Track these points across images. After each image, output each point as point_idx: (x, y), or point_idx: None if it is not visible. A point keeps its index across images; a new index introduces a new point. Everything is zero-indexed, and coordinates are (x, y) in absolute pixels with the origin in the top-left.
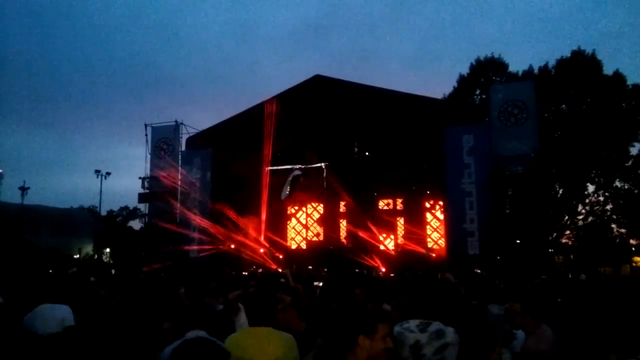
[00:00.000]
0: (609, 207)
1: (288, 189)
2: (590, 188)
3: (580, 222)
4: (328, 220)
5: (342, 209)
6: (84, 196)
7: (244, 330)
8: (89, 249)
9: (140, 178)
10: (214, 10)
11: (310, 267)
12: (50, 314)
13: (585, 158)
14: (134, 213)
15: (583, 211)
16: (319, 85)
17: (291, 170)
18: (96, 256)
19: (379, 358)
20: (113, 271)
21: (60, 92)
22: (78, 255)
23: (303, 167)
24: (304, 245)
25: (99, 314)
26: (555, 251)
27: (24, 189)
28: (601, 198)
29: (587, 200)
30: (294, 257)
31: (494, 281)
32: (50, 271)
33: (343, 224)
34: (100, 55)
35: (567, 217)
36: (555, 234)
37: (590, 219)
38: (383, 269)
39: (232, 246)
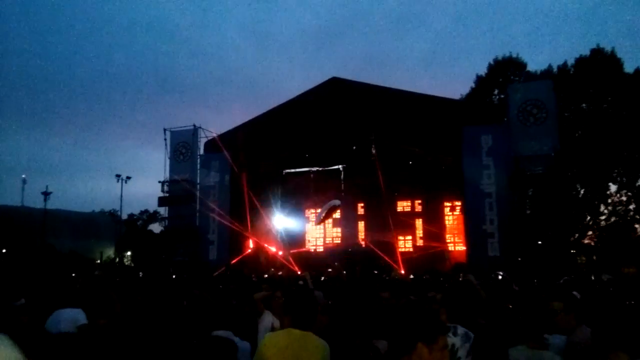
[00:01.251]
0: (631, 206)
1: (322, 216)
2: (613, 188)
3: (603, 223)
4: (346, 222)
5: (359, 210)
6: (105, 200)
7: (285, 331)
8: (110, 252)
9: (159, 182)
10: (232, 14)
11: (330, 270)
12: (65, 317)
13: (607, 157)
14: (154, 216)
15: (605, 211)
16: (336, 87)
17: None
18: (117, 259)
19: None
20: (140, 274)
21: (81, 98)
22: (99, 261)
23: (320, 169)
24: (322, 248)
25: (119, 315)
26: (577, 252)
27: (46, 194)
28: (624, 198)
29: (609, 200)
30: (312, 260)
31: (511, 284)
32: (74, 275)
33: (361, 225)
34: (121, 61)
35: (589, 218)
36: (577, 235)
37: (612, 219)
38: (402, 271)
39: (251, 249)
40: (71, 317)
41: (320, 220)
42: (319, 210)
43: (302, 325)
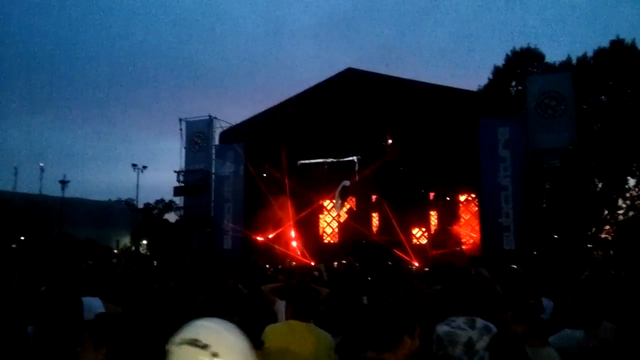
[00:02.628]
0: None
1: (340, 201)
2: (631, 182)
3: (621, 217)
4: (360, 214)
5: (374, 202)
6: (121, 189)
7: (286, 323)
8: (126, 240)
9: (175, 172)
10: (248, 4)
11: (344, 262)
12: (85, 307)
13: (626, 151)
14: (169, 206)
15: (623, 205)
16: (352, 78)
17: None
18: (133, 248)
19: (414, 356)
20: (155, 262)
21: (99, 88)
22: (116, 250)
23: (334, 160)
24: (335, 239)
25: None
26: (594, 246)
27: (64, 183)
28: None
29: (627, 195)
30: (325, 250)
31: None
32: (90, 262)
33: (375, 217)
34: (137, 51)
35: (606, 212)
36: (594, 229)
37: (630, 213)
38: (416, 263)
39: (265, 239)
40: (89, 306)
41: (341, 206)
42: (334, 200)
43: (303, 316)
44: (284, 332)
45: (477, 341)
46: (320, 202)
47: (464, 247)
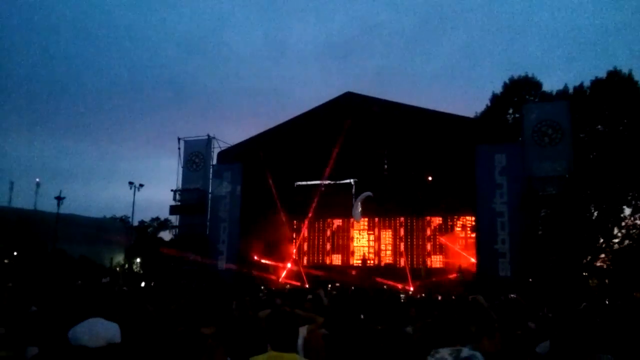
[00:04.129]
0: None
1: (359, 209)
2: (627, 211)
3: (616, 246)
4: (356, 236)
5: (370, 225)
6: (117, 207)
7: (269, 354)
8: (120, 258)
9: (172, 190)
10: (247, 26)
11: (337, 284)
12: (100, 330)
13: (622, 180)
14: (164, 224)
15: (619, 234)
16: (350, 101)
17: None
18: (127, 266)
19: None
20: (152, 283)
21: (97, 105)
22: (118, 268)
23: (331, 183)
24: (332, 261)
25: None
26: (589, 275)
27: (59, 199)
28: (638, 221)
29: (623, 223)
30: (321, 273)
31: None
32: (79, 282)
33: (372, 240)
34: (136, 69)
35: (602, 240)
36: (589, 257)
37: (626, 242)
38: (411, 289)
39: (261, 260)
40: (105, 332)
41: (360, 215)
42: (354, 209)
43: (283, 347)
44: None
45: None
46: (317, 222)
47: (462, 272)
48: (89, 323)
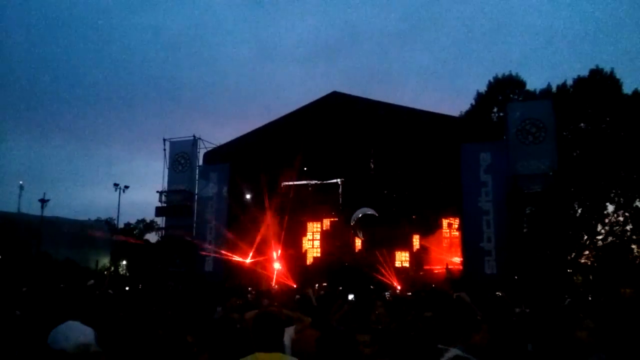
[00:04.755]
0: (629, 227)
1: (358, 232)
2: (610, 208)
3: (600, 242)
4: (343, 236)
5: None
6: (102, 209)
7: (253, 356)
8: (105, 261)
9: (157, 192)
10: (233, 26)
11: (325, 284)
12: (75, 335)
13: (605, 177)
14: (150, 226)
15: (602, 231)
16: (336, 101)
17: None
18: (112, 268)
19: None
20: (140, 286)
21: (80, 106)
22: (106, 272)
23: (318, 182)
24: (318, 261)
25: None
26: (574, 271)
27: (43, 201)
28: (621, 218)
29: (606, 220)
30: (309, 273)
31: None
32: (62, 285)
33: (358, 240)
34: (121, 70)
35: (586, 237)
36: (574, 254)
37: (609, 239)
38: (399, 287)
39: (248, 261)
40: (81, 336)
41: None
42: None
43: (267, 347)
44: None
45: None
46: (304, 223)
47: (450, 270)
48: (65, 326)
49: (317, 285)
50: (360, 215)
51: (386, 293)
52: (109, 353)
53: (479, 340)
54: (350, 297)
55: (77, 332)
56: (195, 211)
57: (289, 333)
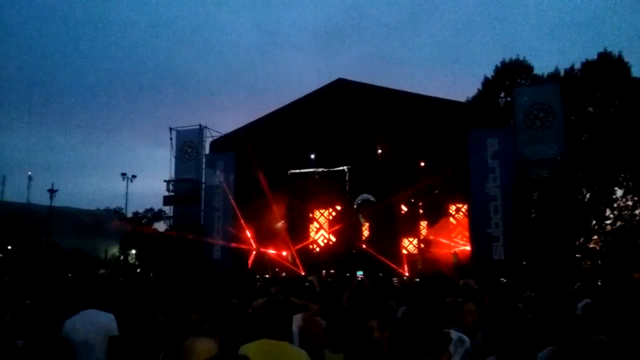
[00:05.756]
0: (637, 211)
1: (361, 218)
2: (619, 192)
3: (609, 227)
4: (350, 223)
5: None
6: (110, 198)
7: (260, 342)
8: (114, 250)
9: (165, 181)
10: (239, 15)
11: (332, 271)
12: (97, 321)
13: (613, 162)
14: (159, 215)
15: (611, 216)
16: (342, 88)
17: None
18: (122, 257)
19: None
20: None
21: (88, 96)
22: (122, 258)
23: (324, 170)
24: (325, 248)
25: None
26: (582, 256)
27: (52, 192)
28: (630, 202)
29: (615, 205)
30: (316, 260)
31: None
32: (70, 275)
33: (365, 226)
34: (127, 60)
35: (594, 222)
36: (582, 239)
37: (618, 223)
38: (406, 273)
39: (255, 249)
40: (102, 323)
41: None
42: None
43: (276, 334)
44: (259, 351)
45: (453, 354)
46: (311, 211)
47: (458, 257)
48: (84, 315)
49: (324, 272)
50: (359, 202)
51: (394, 279)
52: (124, 336)
53: (470, 320)
54: (360, 273)
55: (96, 319)
56: (203, 200)
57: (296, 320)
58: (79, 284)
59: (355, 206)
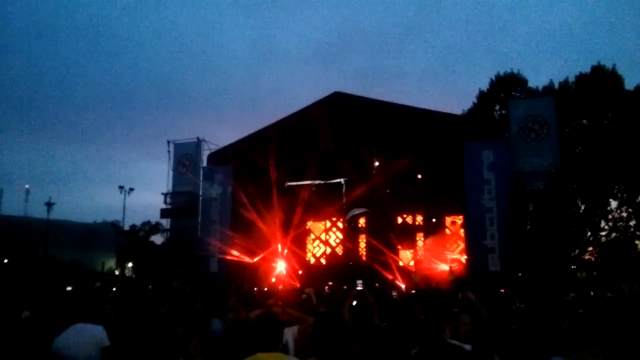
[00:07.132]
0: (632, 223)
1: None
2: (613, 204)
3: (603, 238)
4: (347, 235)
5: (361, 224)
6: (107, 211)
7: (255, 357)
8: (111, 263)
9: (162, 194)
10: (237, 29)
11: (330, 283)
12: (87, 335)
13: (608, 173)
14: (156, 228)
15: (606, 227)
16: (338, 101)
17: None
18: (117, 271)
19: None
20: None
21: (86, 109)
22: (117, 272)
23: (321, 182)
24: (323, 260)
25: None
26: (577, 268)
27: (49, 205)
28: (624, 214)
29: (609, 216)
30: (313, 272)
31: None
32: (69, 288)
33: (362, 239)
34: (125, 73)
35: (589, 233)
36: (577, 251)
37: (613, 235)
38: (403, 285)
39: (253, 261)
40: (92, 336)
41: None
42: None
43: (267, 347)
44: None
45: None
46: (308, 223)
47: (453, 269)
48: (74, 329)
49: (326, 287)
50: (351, 215)
51: (393, 292)
52: (117, 347)
53: (464, 331)
54: (359, 282)
55: (88, 333)
56: (200, 212)
57: (292, 332)
58: (68, 299)
59: (347, 218)
